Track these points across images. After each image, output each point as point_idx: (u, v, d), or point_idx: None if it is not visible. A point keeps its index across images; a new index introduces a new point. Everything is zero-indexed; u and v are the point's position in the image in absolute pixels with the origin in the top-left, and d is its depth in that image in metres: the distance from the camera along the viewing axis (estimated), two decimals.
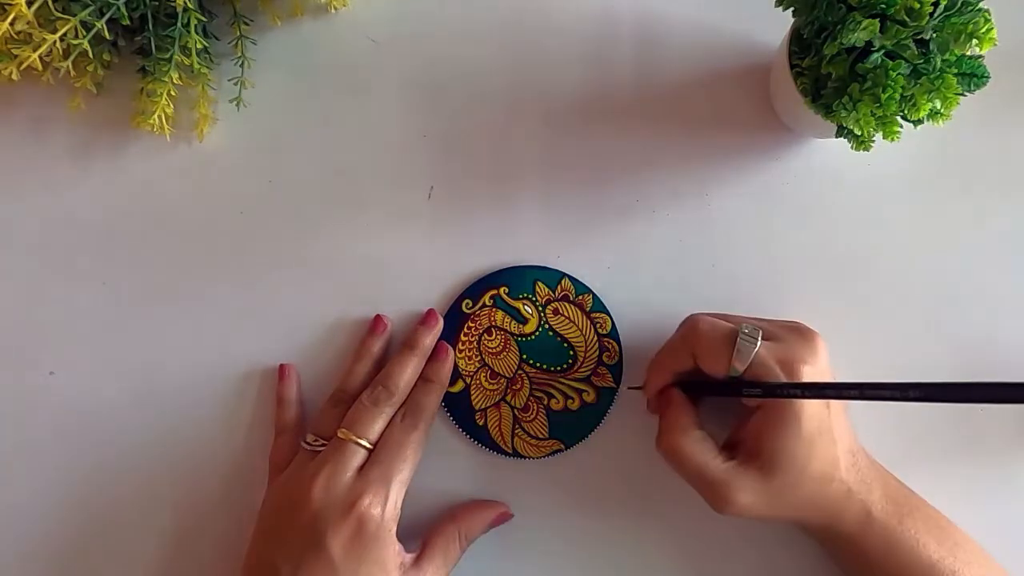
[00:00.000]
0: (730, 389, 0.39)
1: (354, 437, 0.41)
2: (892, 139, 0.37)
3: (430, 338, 0.45)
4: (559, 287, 0.46)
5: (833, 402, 0.38)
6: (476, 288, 0.46)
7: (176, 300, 0.47)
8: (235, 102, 0.47)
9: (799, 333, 0.39)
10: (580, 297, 0.46)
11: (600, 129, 0.47)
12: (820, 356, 0.38)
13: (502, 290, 0.46)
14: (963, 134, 0.46)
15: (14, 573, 0.46)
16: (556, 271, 0.46)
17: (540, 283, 0.46)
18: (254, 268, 0.47)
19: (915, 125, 0.38)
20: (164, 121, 0.45)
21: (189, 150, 0.48)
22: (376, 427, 0.41)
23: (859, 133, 0.38)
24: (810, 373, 0.37)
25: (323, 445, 0.42)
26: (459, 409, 0.45)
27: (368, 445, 0.41)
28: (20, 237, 0.48)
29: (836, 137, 0.40)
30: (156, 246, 0.47)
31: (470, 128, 0.48)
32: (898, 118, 0.37)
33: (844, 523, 0.39)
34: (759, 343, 0.38)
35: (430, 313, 0.46)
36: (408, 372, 0.43)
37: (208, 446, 0.46)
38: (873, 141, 0.39)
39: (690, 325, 0.40)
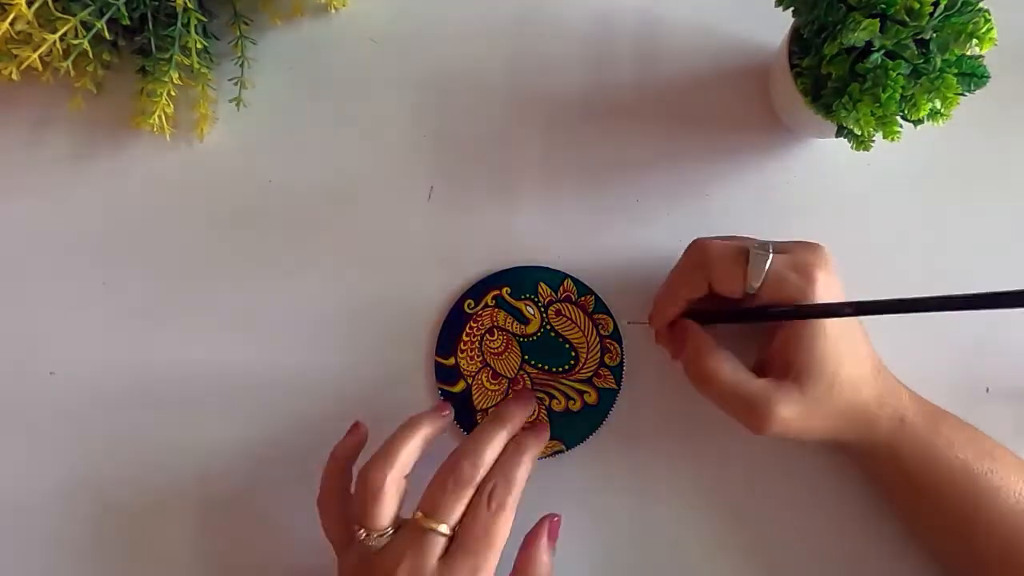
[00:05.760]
0: (743, 315, 0.39)
1: (433, 524, 0.37)
2: (892, 139, 0.37)
3: (521, 414, 0.42)
4: (561, 288, 0.46)
5: None
6: (478, 288, 0.46)
7: (176, 300, 0.47)
8: (235, 102, 0.47)
9: (805, 244, 0.40)
10: (583, 298, 0.46)
11: (600, 129, 0.47)
12: (831, 263, 0.39)
13: (504, 290, 0.46)
14: (963, 134, 0.46)
15: (11, 572, 0.46)
16: (559, 272, 0.46)
17: (543, 284, 0.46)
18: (254, 268, 0.47)
19: (915, 125, 0.38)
20: (164, 121, 0.45)
21: (189, 150, 0.48)
22: (458, 510, 0.37)
23: (859, 133, 0.38)
24: (824, 279, 0.38)
25: (382, 536, 0.38)
26: (460, 409, 0.45)
27: (448, 532, 0.37)
28: (20, 237, 0.48)
29: (836, 137, 0.40)
30: (156, 246, 0.47)
31: (470, 128, 0.48)
32: (898, 118, 0.37)
33: (879, 431, 0.39)
34: (771, 255, 0.38)
35: (527, 392, 0.45)
36: (495, 447, 0.39)
37: (207, 446, 0.46)
38: (873, 141, 0.39)
39: (699, 248, 0.40)
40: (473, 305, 0.46)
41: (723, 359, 0.39)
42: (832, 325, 0.38)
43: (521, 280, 0.46)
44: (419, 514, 0.38)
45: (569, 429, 0.45)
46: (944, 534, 0.40)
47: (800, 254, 0.39)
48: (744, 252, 0.38)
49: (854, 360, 0.38)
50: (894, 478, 0.41)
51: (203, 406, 0.46)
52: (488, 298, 0.46)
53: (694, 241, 0.41)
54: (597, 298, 0.46)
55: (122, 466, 0.46)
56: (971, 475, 0.38)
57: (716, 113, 0.47)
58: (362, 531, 0.38)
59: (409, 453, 0.39)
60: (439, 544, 0.37)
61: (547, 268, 0.46)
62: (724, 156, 0.47)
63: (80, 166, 0.48)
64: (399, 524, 0.38)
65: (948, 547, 0.41)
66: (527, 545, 0.40)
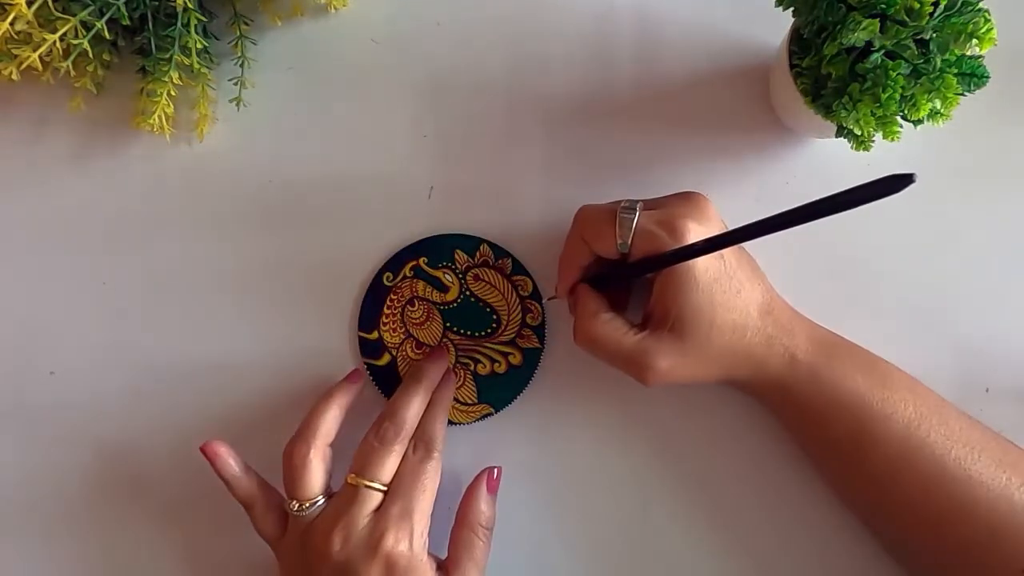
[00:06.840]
0: (630, 270, 0.40)
1: (366, 482, 0.39)
2: (892, 139, 0.37)
3: (435, 370, 0.44)
4: (478, 253, 0.46)
5: (728, 254, 0.39)
6: (396, 260, 0.46)
7: (176, 300, 0.47)
8: (235, 102, 0.47)
9: (681, 196, 0.40)
10: (500, 261, 0.46)
11: (600, 129, 0.47)
12: (705, 212, 0.39)
13: (421, 260, 0.46)
14: (963, 134, 0.45)
15: (10, 571, 0.46)
16: (474, 237, 0.46)
17: (459, 251, 0.46)
18: (254, 268, 0.47)
19: (915, 125, 0.38)
20: (164, 121, 0.45)
21: (189, 150, 0.48)
22: (388, 467, 0.39)
23: (859, 133, 0.38)
24: (695, 229, 0.38)
25: (314, 505, 0.40)
26: (387, 382, 0.46)
27: (382, 487, 0.39)
28: (20, 237, 0.48)
29: (836, 137, 0.40)
30: (156, 246, 0.47)
31: (470, 128, 0.48)
32: (898, 118, 0.37)
33: (769, 370, 0.39)
34: (638, 213, 0.38)
35: (439, 349, 0.45)
36: (415, 404, 0.41)
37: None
38: (873, 141, 0.39)
39: (578, 214, 0.41)
40: (392, 278, 0.46)
41: (602, 320, 0.40)
42: (703, 273, 0.38)
43: (437, 248, 0.46)
44: (351, 475, 0.39)
45: (496, 392, 0.46)
46: (833, 457, 0.41)
47: (669, 207, 0.39)
48: (613, 213, 0.39)
49: (733, 305, 0.38)
50: (788, 413, 0.41)
51: (203, 406, 0.46)
52: (406, 269, 0.46)
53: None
54: (515, 260, 0.46)
55: (122, 465, 0.46)
56: (862, 403, 0.39)
57: (716, 113, 0.47)
58: (295, 503, 0.40)
59: (328, 423, 0.41)
60: (373, 499, 0.39)
61: (463, 235, 0.46)
62: (724, 156, 0.47)
63: (80, 166, 0.48)
64: (331, 493, 0.40)
65: (837, 470, 0.41)
66: (467, 495, 0.42)
